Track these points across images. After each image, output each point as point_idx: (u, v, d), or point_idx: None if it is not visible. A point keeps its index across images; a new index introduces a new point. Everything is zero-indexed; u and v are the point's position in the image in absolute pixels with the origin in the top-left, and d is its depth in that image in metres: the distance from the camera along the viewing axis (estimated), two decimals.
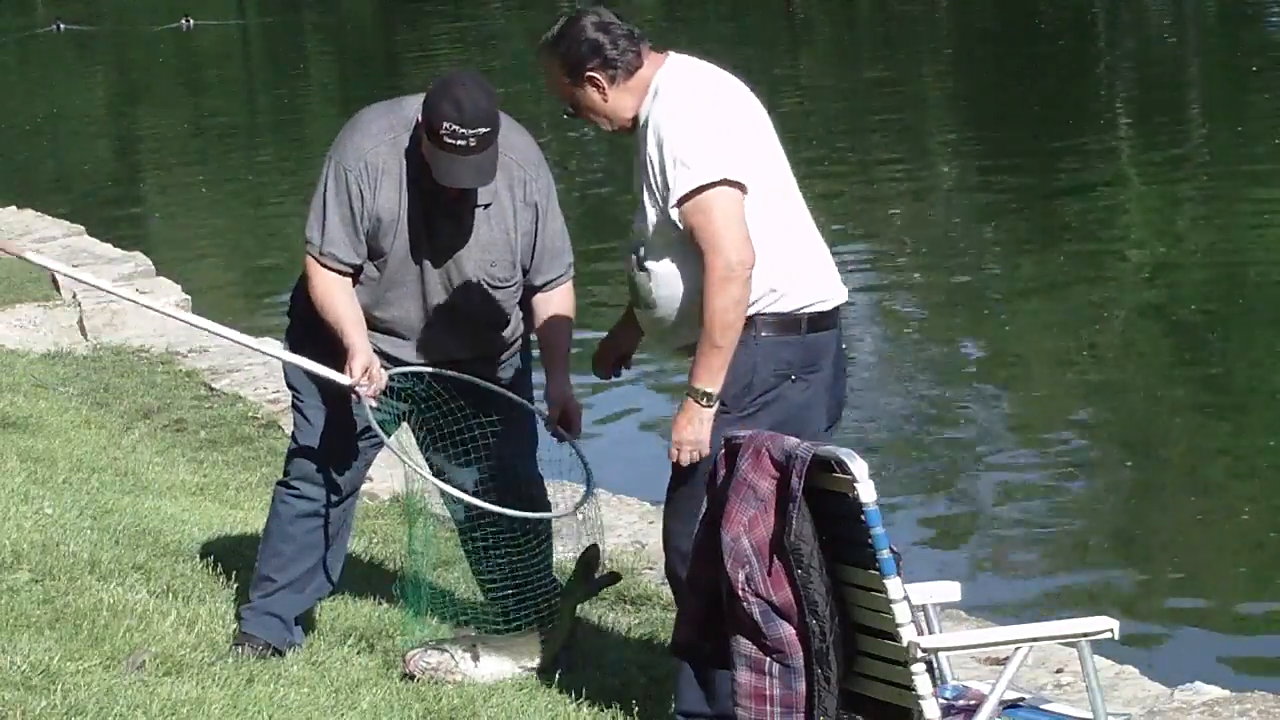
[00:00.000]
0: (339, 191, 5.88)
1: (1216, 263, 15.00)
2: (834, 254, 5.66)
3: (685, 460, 5.35)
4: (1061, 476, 10.63)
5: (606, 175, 21.49)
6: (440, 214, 5.89)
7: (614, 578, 6.21)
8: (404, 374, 5.96)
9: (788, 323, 5.38)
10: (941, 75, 28.41)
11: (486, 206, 5.91)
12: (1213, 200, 17.42)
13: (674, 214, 5.29)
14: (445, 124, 5.67)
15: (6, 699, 5.10)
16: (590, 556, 6.09)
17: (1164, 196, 18.08)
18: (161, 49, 40.66)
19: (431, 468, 6.07)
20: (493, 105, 5.75)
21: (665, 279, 5.42)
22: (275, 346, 6.11)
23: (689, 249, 5.30)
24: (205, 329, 6.29)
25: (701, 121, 5.30)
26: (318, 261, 5.91)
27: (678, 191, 5.25)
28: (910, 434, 11.60)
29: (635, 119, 5.44)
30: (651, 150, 5.32)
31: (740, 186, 5.26)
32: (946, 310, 14.59)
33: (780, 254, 5.37)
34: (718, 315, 5.21)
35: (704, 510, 5.16)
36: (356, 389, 5.78)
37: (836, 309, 5.50)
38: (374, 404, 5.80)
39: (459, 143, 5.66)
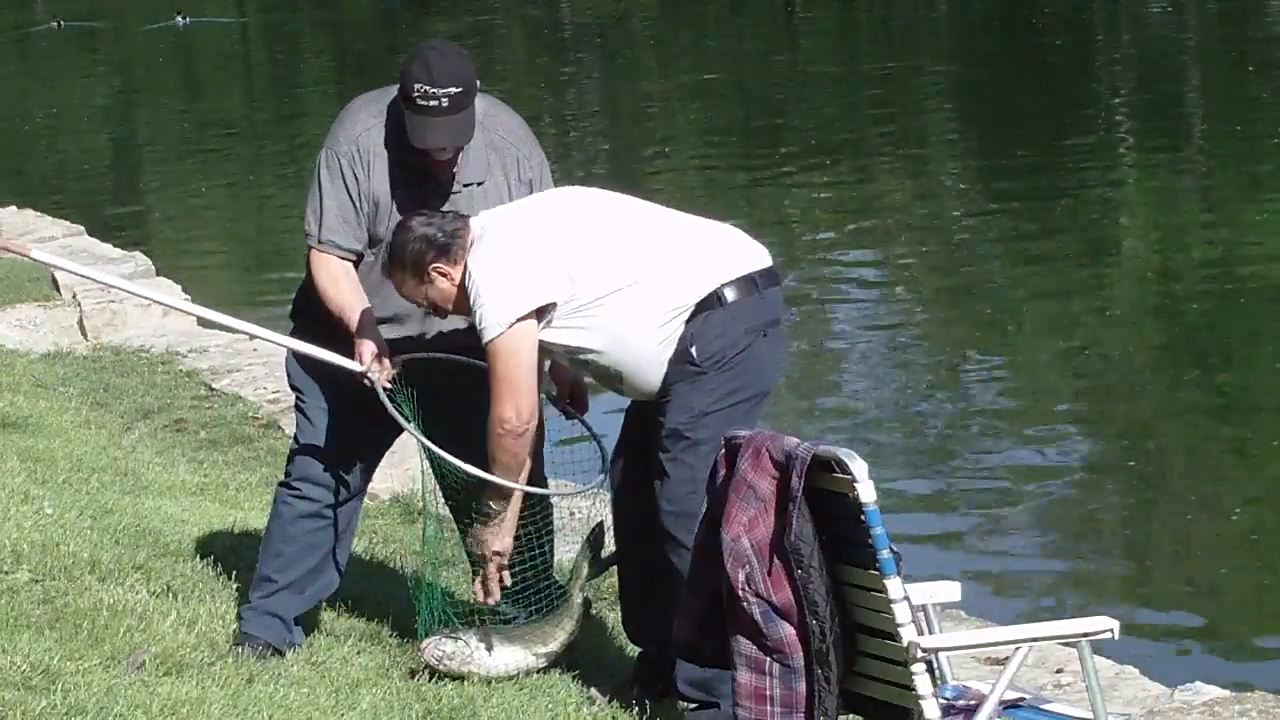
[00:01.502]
0: (333, 178, 5.87)
1: (1217, 262, 15.00)
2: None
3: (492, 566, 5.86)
4: (1062, 477, 10.63)
5: (607, 171, 21.49)
6: (433, 195, 5.89)
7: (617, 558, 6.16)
8: (414, 359, 5.94)
9: (746, 284, 5.60)
10: (940, 74, 28.40)
11: (480, 185, 5.92)
12: (1212, 199, 17.43)
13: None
14: (416, 85, 5.71)
15: (6, 699, 5.10)
16: (596, 535, 6.08)
17: (1164, 195, 18.08)
18: (161, 47, 40.65)
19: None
20: (465, 68, 5.77)
21: (605, 362, 5.62)
22: (285, 337, 6.07)
23: (590, 326, 5.56)
24: (214, 320, 6.27)
25: (491, 267, 5.57)
26: (318, 252, 5.89)
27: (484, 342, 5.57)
28: (910, 434, 11.61)
29: None
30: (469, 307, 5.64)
31: (531, 315, 5.52)
32: (946, 309, 14.59)
33: (700, 247, 5.64)
34: (493, 461, 5.66)
35: (704, 510, 5.17)
36: (369, 375, 5.78)
37: (774, 267, 5.76)
38: (387, 386, 5.80)
39: (430, 103, 5.69)
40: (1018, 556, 9.62)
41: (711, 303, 5.55)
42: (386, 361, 5.83)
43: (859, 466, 4.75)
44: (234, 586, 6.50)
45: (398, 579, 6.92)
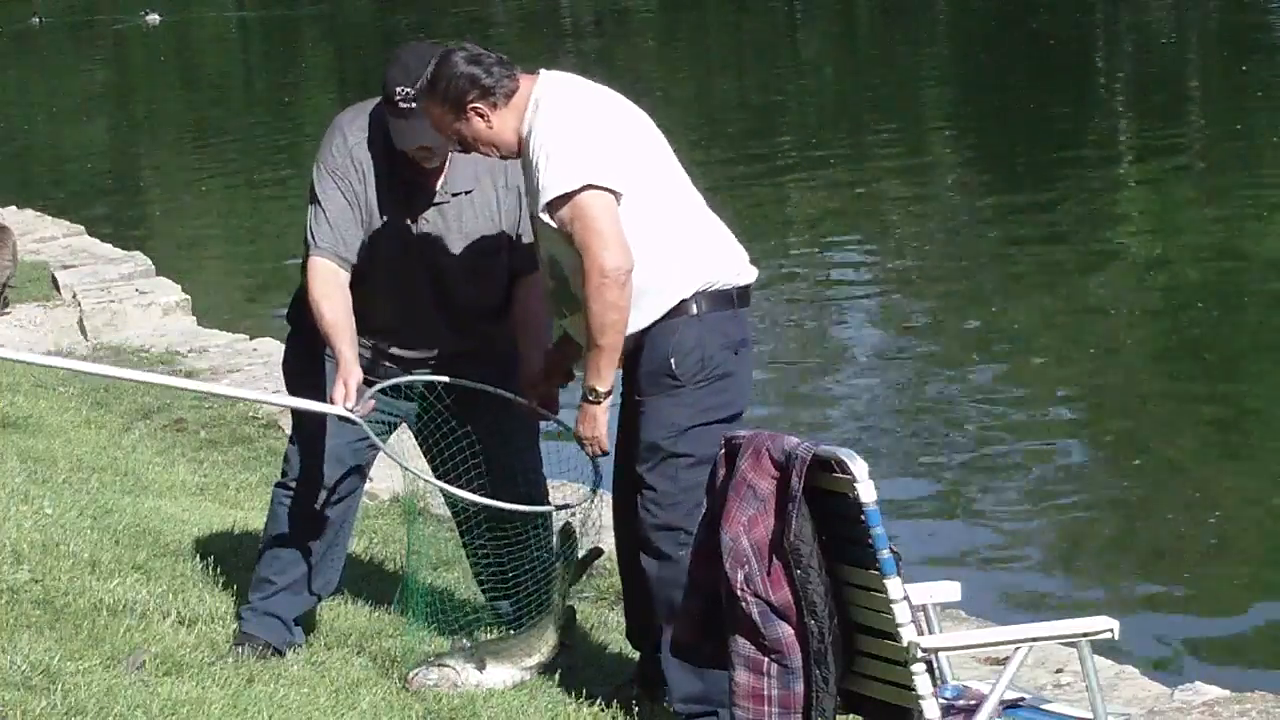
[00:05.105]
0: (330, 190, 5.88)
1: (1218, 262, 14.99)
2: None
3: (594, 453, 5.62)
4: (1062, 476, 10.63)
5: None
6: (423, 204, 5.91)
7: (596, 553, 6.13)
8: (394, 385, 5.94)
9: (722, 298, 5.57)
10: (940, 74, 28.42)
11: (468, 193, 5.93)
12: (1212, 199, 17.42)
13: (544, 216, 5.45)
14: (397, 89, 5.75)
15: (6, 699, 5.10)
16: (568, 539, 6.03)
17: (1163, 194, 18.08)
18: (160, 45, 40.62)
19: (434, 470, 6.06)
20: None
21: (570, 283, 5.52)
22: (252, 392, 6.07)
23: None
24: (164, 384, 6.24)
25: (576, 129, 5.48)
26: (317, 258, 5.88)
27: (545, 195, 5.42)
28: (910, 434, 11.60)
29: (520, 140, 5.57)
30: (532, 158, 5.49)
31: (611, 192, 5.41)
32: (946, 309, 14.58)
33: (698, 238, 5.58)
34: (594, 319, 5.41)
35: (704, 510, 5.17)
36: (352, 415, 5.74)
37: (751, 285, 5.70)
38: (361, 415, 5.77)
39: (412, 105, 5.72)
40: (1017, 556, 9.61)
41: (687, 308, 5.51)
42: (370, 401, 5.78)
43: (859, 466, 4.75)
44: (234, 586, 6.50)
45: (397, 579, 6.92)
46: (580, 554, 6.04)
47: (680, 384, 5.51)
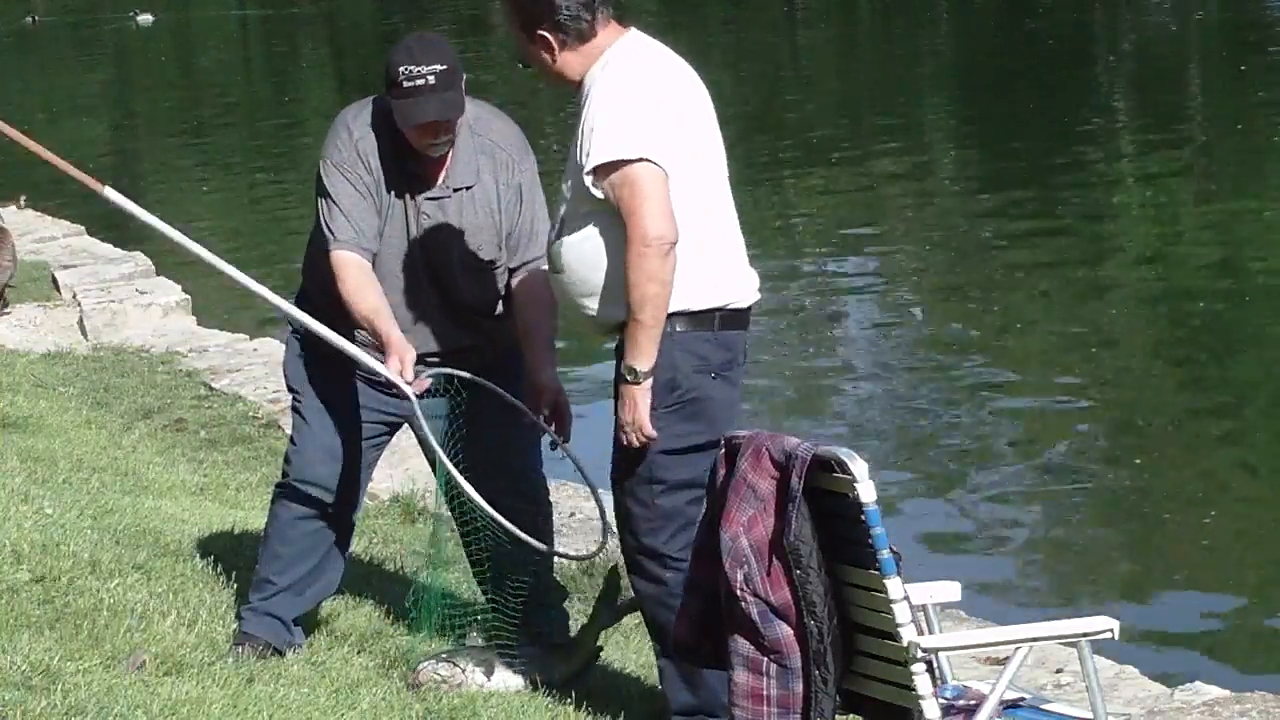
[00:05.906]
0: (339, 183, 5.87)
1: (1217, 260, 15.01)
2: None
3: (631, 442, 5.35)
4: (1062, 476, 10.63)
5: None
6: (423, 198, 5.91)
7: (635, 604, 6.09)
8: (440, 374, 5.92)
9: (703, 319, 5.39)
10: (940, 74, 28.42)
11: (469, 189, 5.93)
12: (1212, 198, 17.43)
13: (586, 180, 5.31)
14: (402, 68, 5.76)
15: (6, 699, 5.10)
16: (612, 581, 6.02)
17: (1163, 195, 18.09)
18: (159, 44, 40.62)
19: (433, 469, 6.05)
20: (446, 51, 5.83)
21: (578, 247, 5.40)
22: (350, 344, 5.94)
23: (609, 220, 5.32)
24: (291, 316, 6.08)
25: (639, 100, 5.34)
26: (340, 252, 5.85)
27: (594, 159, 5.28)
28: (910, 433, 11.61)
29: (581, 81, 5.47)
30: (588, 117, 5.37)
31: (661, 169, 5.27)
32: (946, 309, 14.59)
33: (696, 251, 5.36)
34: (634, 290, 5.23)
35: (703, 510, 5.16)
36: (405, 388, 5.69)
37: (749, 309, 5.52)
38: (417, 392, 5.72)
39: (417, 82, 5.74)
40: (1018, 556, 9.62)
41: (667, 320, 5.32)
42: (426, 380, 5.75)
43: (859, 466, 4.74)
44: (234, 586, 6.50)
45: (398, 579, 6.92)
46: (621, 600, 6.02)
47: (651, 405, 5.34)
